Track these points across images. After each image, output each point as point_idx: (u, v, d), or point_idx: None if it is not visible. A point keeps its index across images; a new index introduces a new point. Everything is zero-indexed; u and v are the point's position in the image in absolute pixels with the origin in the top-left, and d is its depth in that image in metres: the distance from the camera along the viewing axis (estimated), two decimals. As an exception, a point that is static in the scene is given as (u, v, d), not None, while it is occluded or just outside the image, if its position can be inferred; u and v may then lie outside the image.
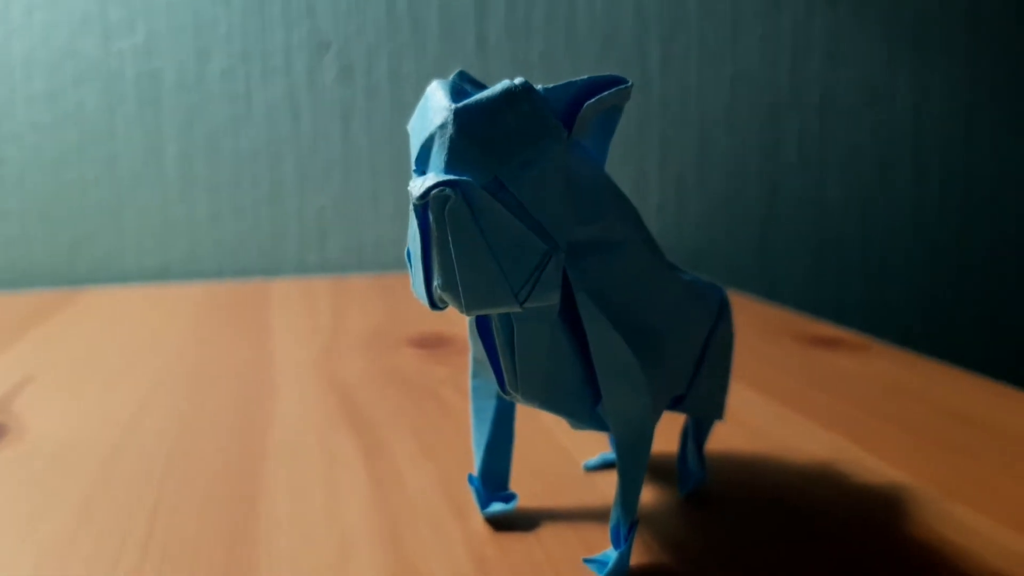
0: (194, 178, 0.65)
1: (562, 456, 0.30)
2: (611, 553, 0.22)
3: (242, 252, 0.67)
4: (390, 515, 0.25)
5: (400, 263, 0.68)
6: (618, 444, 0.22)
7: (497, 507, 0.25)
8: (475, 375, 0.25)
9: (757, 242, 0.73)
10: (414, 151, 0.20)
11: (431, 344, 0.45)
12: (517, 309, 0.19)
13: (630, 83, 0.20)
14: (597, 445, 0.31)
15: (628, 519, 0.21)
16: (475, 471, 0.28)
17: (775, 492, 0.27)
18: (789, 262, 0.74)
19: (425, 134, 0.19)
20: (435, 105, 0.19)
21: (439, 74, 0.67)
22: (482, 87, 0.21)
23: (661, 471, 0.28)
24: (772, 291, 0.73)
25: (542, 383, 0.21)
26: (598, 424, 0.22)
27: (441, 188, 0.18)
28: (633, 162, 0.70)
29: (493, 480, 0.25)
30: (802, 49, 0.71)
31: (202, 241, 0.66)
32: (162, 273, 0.66)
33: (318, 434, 0.32)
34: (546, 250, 0.19)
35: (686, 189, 0.71)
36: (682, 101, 0.70)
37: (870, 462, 0.29)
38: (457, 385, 0.38)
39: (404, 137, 0.67)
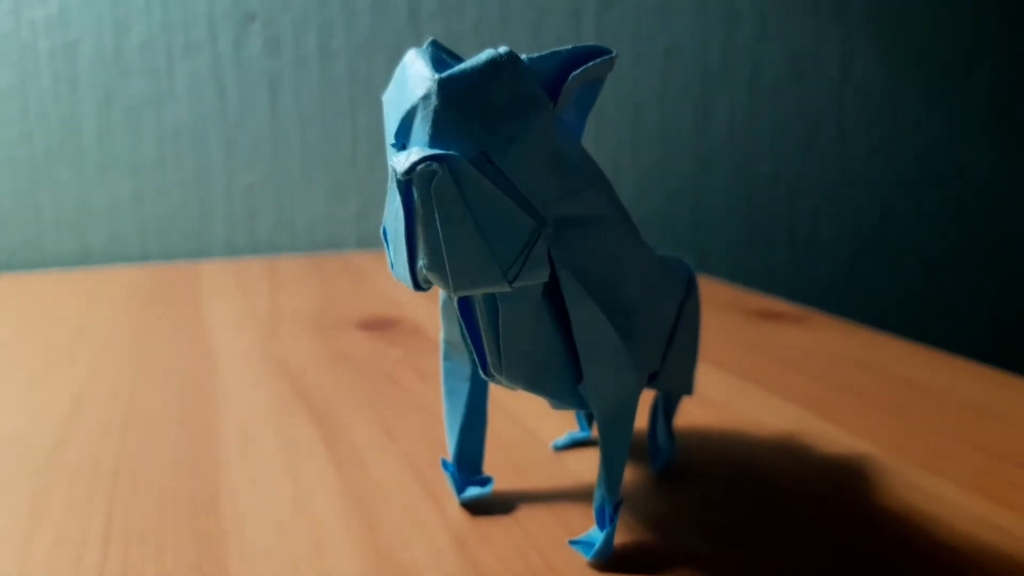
0: (114, 157, 0.62)
1: (529, 437, 0.29)
2: (596, 534, 0.21)
3: (167, 234, 0.64)
4: (361, 502, 0.25)
5: (335, 242, 0.67)
6: (600, 423, 0.21)
7: (473, 491, 0.24)
8: (447, 356, 0.24)
9: (689, 215, 0.74)
10: (392, 124, 0.19)
11: (379, 326, 0.44)
12: (506, 288, 0.18)
13: (614, 53, 0.19)
14: (563, 424, 0.30)
15: (613, 499, 0.21)
16: (447, 455, 0.28)
17: (744, 465, 0.27)
18: (720, 234, 0.75)
19: (406, 105, 0.18)
20: (415, 75, 0.18)
21: (370, 47, 0.65)
22: (458, 59, 0.20)
23: (631, 448, 0.28)
24: (704, 263, 0.74)
25: (526, 364, 0.21)
26: (579, 403, 0.22)
27: (428, 163, 0.17)
28: (568, 137, 0.70)
29: (467, 464, 0.24)
30: (733, 23, 0.72)
31: (124, 223, 0.63)
32: (83, 257, 0.63)
33: (273, 421, 0.31)
34: (535, 227, 0.18)
35: (620, 162, 0.71)
36: (616, 74, 0.70)
37: (831, 432, 0.29)
38: (413, 367, 0.37)
39: (335, 112, 0.65)
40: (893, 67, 0.76)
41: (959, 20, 0.77)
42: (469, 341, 0.21)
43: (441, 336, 0.24)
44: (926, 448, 0.28)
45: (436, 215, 0.18)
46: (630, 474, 0.26)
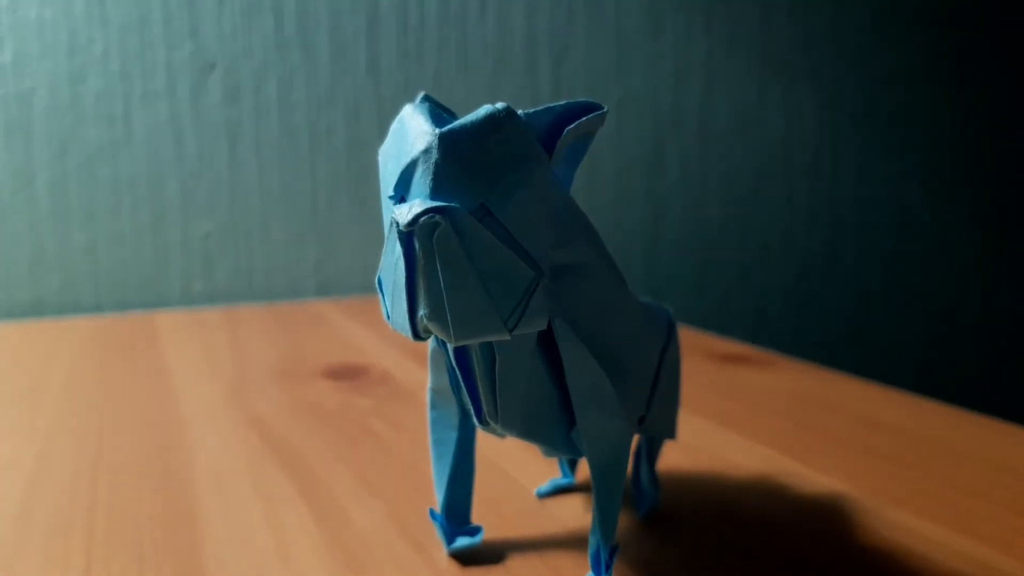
0: (68, 206, 0.61)
1: (511, 485, 0.29)
2: (591, 580, 0.22)
3: (122, 283, 0.63)
4: (346, 555, 0.24)
5: (294, 291, 0.66)
6: (594, 469, 0.21)
7: (463, 541, 0.24)
8: (433, 406, 0.24)
9: (643, 259, 0.75)
10: (391, 177, 0.19)
11: (346, 375, 0.44)
12: (506, 337, 0.19)
13: (606, 109, 0.20)
14: (545, 471, 0.30)
15: (608, 544, 0.21)
16: (429, 505, 0.27)
17: (726, 507, 0.27)
18: (674, 278, 0.76)
19: (406, 159, 0.18)
20: (415, 129, 0.19)
21: (330, 97, 0.65)
22: (451, 113, 0.21)
23: (612, 493, 0.28)
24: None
25: (521, 411, 0.21)
26: (571, 450, 0.22)
27: (430, 215, 0.17)
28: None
29: (456, 514, 0.24)
30: (683, 74, 0.74)
31: (78, 273, 0.62)
32: (35, 308, 0.61)
33: (247, 473, 0.30)
34: (533, 276, 0.19)
35: (578, 211, 0.72)
36: (572, 125, 0.71)
37: (804, 472, 0.30)
38: (385, 417, 0.37)
39: (295, 161, 0.65)
40: (833, 118, 0.79)
41: (893, 75, 0.81)
42: (464, 389, 0.21)
43: (428, 385, 0.24)
44: (899, 486, 0.29)
45: (438, 266, 0.18)
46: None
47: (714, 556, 0.24)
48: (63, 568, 0.24)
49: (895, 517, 0.26)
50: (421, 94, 0.21)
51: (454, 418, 0.24)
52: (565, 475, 0.29)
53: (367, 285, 0.68)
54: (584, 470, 0.30)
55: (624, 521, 0.26)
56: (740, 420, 0.36)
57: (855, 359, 0.82)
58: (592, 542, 0.22)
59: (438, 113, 0.19)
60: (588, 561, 0.24)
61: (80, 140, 0.61)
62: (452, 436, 0.24)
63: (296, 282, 0.66)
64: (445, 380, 0.23)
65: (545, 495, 0.28)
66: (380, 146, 0.67)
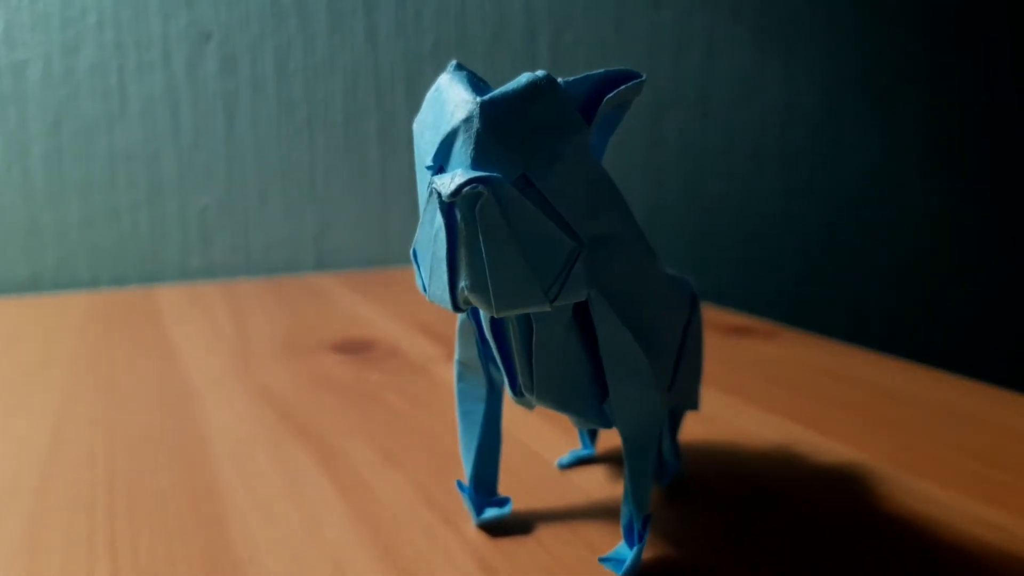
0: (64, 180, 0.60)
1: (531, 456, 0.29)
2: (624, 550, 0.22)
3: (119, 258, 0.62)
4: (374, 527, 0.24)
5: (293, 264, 0.66)
6: (627, 440, 0.21)
7: (492, 513, 0.24)
8: (460, 378, 0.24)
9: (644, 233, 0.75)
10: (429, 147, 0.19)
11: (355, 349, 0.43)
12: (547, 308, 0.18)
13: (644, 77, 0.20)
14: (564, 443, 0.30)
15: (641, 514, 0.21)
16: (452, 477, 0.27)
17: (747, 477, 0.27)
18: (674, 251, 0.76)
19: (446, 128, 0.18)
20: (454, 98, 0.18)
21: (328, 68, 0.65)
22: (484, 82, 0.20)
23: (633, 464, 0.28)
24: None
25: (556, 383, 0.21)
26: (603, 422, 0.22)
27: (473, 185, 0.17)
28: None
29: (484, 485, 0.24)
30: (683, 45, 0.74)
31: (75, 248, 0.61)
32: (32, 284, 0.60)
33: (266, 447, 0.30)
34: (574, 247, 0.18)
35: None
36: (571, 97, 0.71)
37: (821, 442, 0.30)
38: (399, 390, 0.37)
39: (292, 133, 0.65)
40: (833, 90, 0.79)
41: (891, 47, 0.81)
42: (499, 362, 0.21)
43: (455, 357, 0.24)
44: (915, 455, 0.29)
45: (480, 237, 0.18)
46: (638, 490, 0.26)
47: (739, 525, 0.24)
48: (88, 543, 0.24)
49: (914, 485, 0.27)
50: (453, 62, 0.21)
51: (482, 390, 0.24)
52: (585, 446, 0.29)
53: (367, 258, 0.67)
54: (604, 441, 0.30)
55: (648, 491, 0.26)
56: (751, 391, 0.36)
57: (853, 331, 0.82)
58: (625, 512, 0.22)
59: (475, 82, 0.19)
60: (618, 531, 0.24)
61: (74, 113, 0.60)
62: (480, 408, 0.24)
63: (295, 256, 0.66)
64: (473, 352, 0.23)
65: (566, 466, 0.28)
66: (376, 117, 0.66)
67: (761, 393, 0.36)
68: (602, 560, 0.22)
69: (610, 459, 0.29)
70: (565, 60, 0.70)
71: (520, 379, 0.21)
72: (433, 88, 0.19)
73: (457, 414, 0.24)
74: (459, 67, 0.20)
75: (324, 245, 0.66)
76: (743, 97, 0.76)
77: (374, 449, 0.30)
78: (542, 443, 0.30)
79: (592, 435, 0.29)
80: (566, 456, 0.28)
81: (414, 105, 0.67)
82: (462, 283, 0.18)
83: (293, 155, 0.65)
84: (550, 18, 0.70)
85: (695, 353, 0.26)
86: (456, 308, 0.19)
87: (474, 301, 0.18)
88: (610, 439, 0.30)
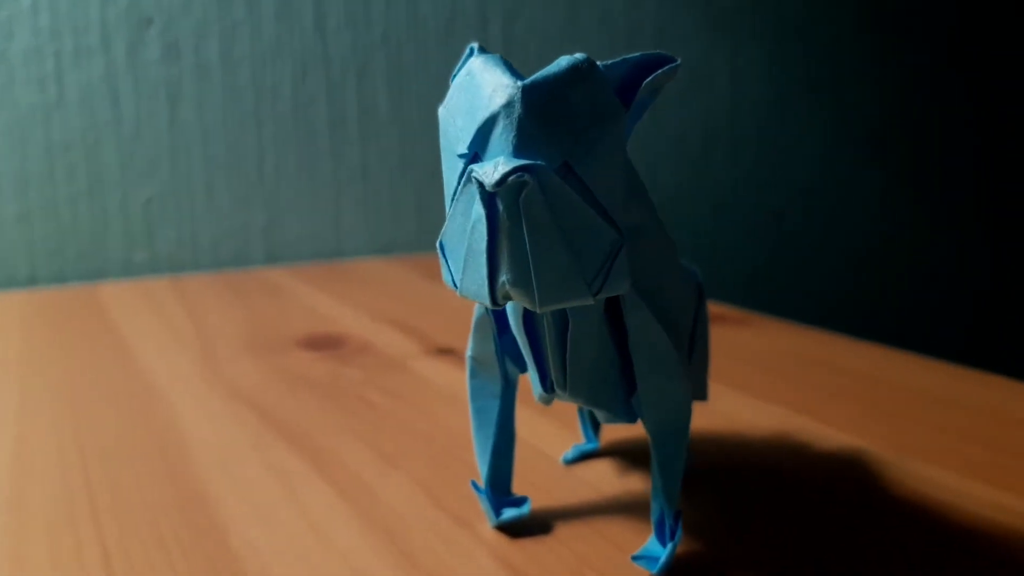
0: (-5, 171, 0.57)
1: (534, 453, 0.28)
2: (656, 546, 0.21)
3: (58, 254, 0.59)
4: (384, 531, 0.23)
5: (242, 258, 0.64)
6: (656, 434, 0.21)
7: (511, 513, 0.23)
8: (473, 375, 0.23)
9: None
10: (463, 133, 0.18)
11: (325, 345, 0.42)
12: (590, 302, 0.18)
13: (678, 62, 0.19)
14: (566, 438, 0.30)
15: (672, 509, 0.21)
16: (456, 476, 0.27)
17: (752, 465, 0.27)
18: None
19: (484, 114, 0.17)
20: (491, 82, 0.17)
21: (276, 54, 0.62)
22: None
23: (638, 454, 0.28)
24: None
25: (588, 378, 0.20)
26: (629, 416, 0.22)
27: (519, 174, 0.16)
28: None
29: (499, 485, 0.24)
30: (633, 36, 0.73)
31: (11, 244, 0.58)
32: (-38, 282, 0.57)
33: (252, 450, 0.29)
34: (617, 238, 0.18)
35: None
36: (524, 85, 0.70)
37: (819, 429, 0.30)
38: (380, 387, 0.36)
39: (239, 122, 0.62)
40: (779, 83, 0.80)
41: (835, 38, 0.82)
42: (530, 358, 0.20)
43: (468, 353, 0.23)
44: (912, 439, 0.29)
45: (523, 228, 0.17)
46: (647, 483, 0.26)
47: (757, 514, 0.24)
48: (78, 560, 0.22)
49: (919, 470, 0.27)
50: (475, 44, 0.20)
51: (496, 386, 0.23)
52: (590, 440, 0.28)
53: (319, 251, 0.65)
54: (607, 434, 0.29)
55: (650, 485, 0.26)
56: (741, 379, 0.36)
57: (805, 316, 0.84)
58: (655, 507, 0.21)
59: (510, 66, 0.18)
60: (638, 526, 0.23)
61: (8, 102, 0.56)
62: (494, 405, 0.23)
63: (244, 249, 0.64)
64: (490, 348, 0.22)
65: (571, 461, 0.28)
66: (326, 105, 0.64)
67: (749, 381, 0.36)
68: (635, 558, 0.21)
69: (614, 452, 0.28)
70: (516, 50, 0.69)
71: (552, 375, 0.20)
72: (463, 72, 0.19)
73: (471, 412, 0.23)
74: (483, 50, 0.19)
75: (274, 238, 0.64)
76: (692, 88, 0.77)
77: (367, 450, 0.29)
78: (543, 439, 0.30)
79: (595, 429, 0.28)
80: (570, 451, 0.28)
81: (365, 93, 0.65)
82: (503, 277, 0.17)
83: (240, 145, 0.63)
84: (501, 7, 0.69)
85: (703, 343, 0.26)
86: (495, 303, 0.18)
87: (515, 296, 0.17)
88: (613, 432, 0.30)
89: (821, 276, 0.85)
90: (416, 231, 0.68)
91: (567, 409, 0.31)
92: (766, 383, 0.35)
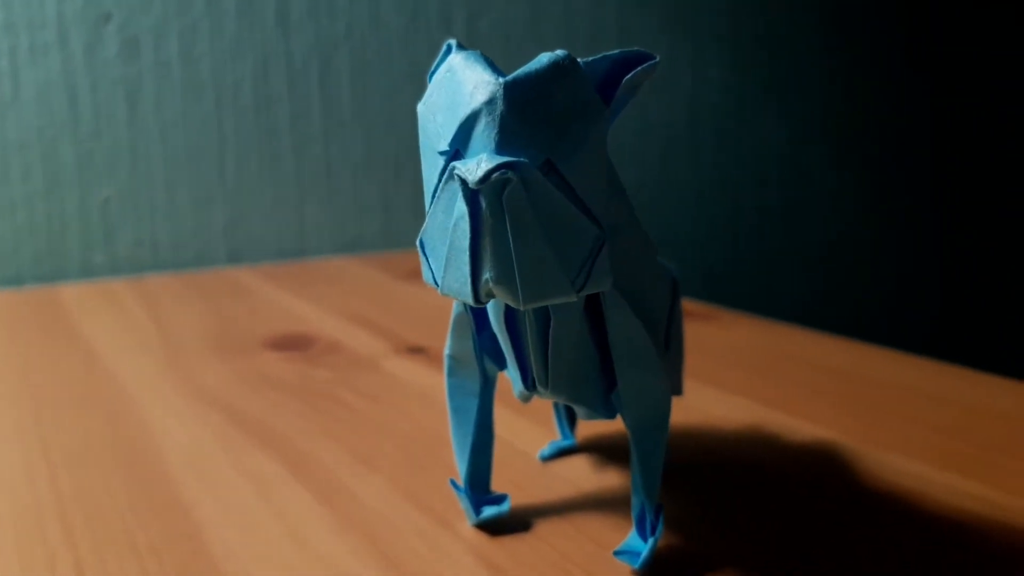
0: (-53, 171, 0.55)
1: (510, 450, 0.28)
2: (637, 541, 0.21)
3: (14, 256, 0.58)
4: (365, 533, 0.23)
5: (203, 259, 0.63)
6: (635, 430, 0.21)
7: (491, 511, 0.23)
8: (451, 373, 0.23)
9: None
10: (444, 130, 0.18)
11: (292, 345, 0.42)
12: (573, 299, 0.18)
13: (657, 59, 0.19)
14: (541, 434, 0.30)
15: (653, 503, 0.21)
16: (433, 475, 0.27)
17: (730, 460, 0.28)
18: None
19: (465, 111, 0.17)
20: (472, 79, 0.17)
21: (237, 51, 0.62)
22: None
23: (615, 450, 0.28)
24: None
25: (569, 375, 0.20)
26: (608, 412, 0.22)
27: (502, 171, 0.16)
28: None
29: (478, 484, 0.24)
30: (597, 35, 0.74)
31: (-38, 245, 0.56)
32: (-87, 285, 0.55)
33: (224, 454, 0.28)
34: (599, 235, 0.18)
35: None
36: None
37: (790, 422, 0.31)
38: (352, 387, 0.35)
39: (200, 120, 0.61)
40: (739, 82, 0.81)
41: (796, 40, 0.83)
42: (511, 356, 0.20)
43: (446, 352, 0.23)
44: (881, 431, 0.30)
45: (507, 226, 0.17)
46: (625, 478, 0.26)
47: (735, 507, 0.24)
48: (51, 571, 0.21)
49: (889, 460, 0.27)
50: (452, 41, 0.20)
51: (475, 384, 0.23)
52: (565, 436, 0.28)
53: (282, 250, 0.65)
54: (582, 430, 0.29)
55: (627, 480, 0.26)
56: (711, 374, 0.36)
57: (766, 310, 0.85)
58: (635, 502, 0.21)
59: (491, 63, 0.18)
60: (618, 522, 0.23)
61: (-42, 98, 0.55)
62: (473, 404, 0.23)
63: (205, 249, 0.63)
64: (469, 346, 0.22)
65: (548, 458, 0.28)
66: (288, 103, 0.63)
67: (720, 375, 0.36)
68: (617, 554, 0.21)
69: (591, 448, 0.28)
70: (480, 47, 0.69)
71: (534, 372, 0.20)
72: (444, 68, 0.18)
73: (449, 410, 0.23)
74: (461, 46, 0.19)
75: (236, 237, 0.64)
76: (655, 88, 0.77)
77: (343, 451, 0.29)
78: (518, 436, 0.30)
79: (571, 425, 0.28)
80: (547, 448, 0.28)
81: (328, 90, 0.64)
82: (486, 274, 0.17)
83: (201, 143, 0.62)
84: (465, 4, 0.68)
85: (678, 339, 0.26)
86: (477, 301, 0.18)
87: (498, 293, 0.17)
88: (588, 428, 0.30)
89: (782, 272, 0.86)
90: (381, 229, 0.67)
91: (542, 406, 0.31)
92: (736, 377, 0.36)
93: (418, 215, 0.68)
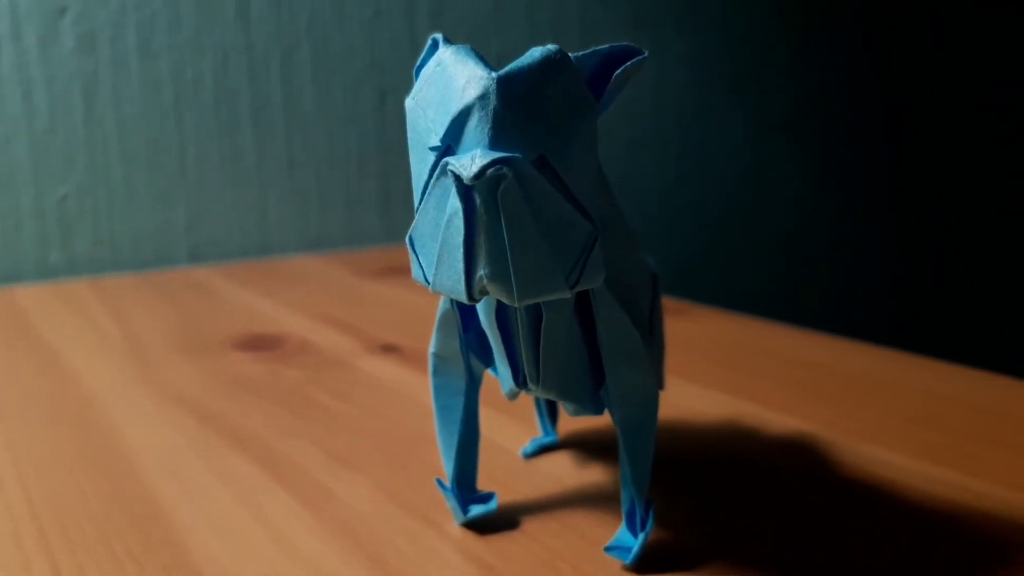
0: None
1: (492, 447, 0.28)
2: (627, 536, 0.21)
3: (-34, 256, 0.56)
4: (350, 535, 0.23)
5: (164, 258, 0.61)
6: (624, 425, 0.21)
7: (479, 510, 0.23)
8: (436, 372, 0.23)
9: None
10: (436, 125, 0.17)
11: (262, 346, 0.41)
12: (567, 295, 0.18)
13: (646, 54, 0.19)
14: (523, 431, 0.30)
15: (643, 498, 0.21)
16: (413, 474, 0.26)
17: (710, 453, 0.28)
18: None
19: (457, 106, 0.17)
20: (464, 74, 0.17)
21: (196, 45, 0.60)
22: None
23: (597, 445, 0.28)
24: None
25: (559, 371, 0.20)
26: (596, 408, 0.22)
27: (498, 167, 0.16)
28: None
29: (465, 483, 0.23)
30: (560, 27, 0.74)
31: (-88, 245, 0.54)
32: None
33: (199, 458, 0.28)
34: (592, 230, 0.18)
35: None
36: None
37: (765, 415, 0.31)
38: (325, 387, 0.35)
39: (159, 116, 0.60)
40: (700, 77, 0.81)
41: (754, 35, 0.84)
42: (503, 354, 0.20)
43: (431, 350, 0.23)
44: (855, 422, 0.30)
45: (502, 222, 0.17)
46: (609, 473, 0.26)
47: (713, 498, 0.24)
48: (27, 580, 0.21)
49: (865, 450, 0.28)
50: (438, 35, 0.19)
51: (460, 383, 0.23)
52: (547, 433, 0.28)
53: (244, 248, 0.64)
54: (563, 426, 0.29)
55: (612, 475, 0.26)
56: (686, 368, 0.36)
57: (730, 304, 0.85)
58: (625, 497, 0.21)
59: (481, 56, 0.18)
60: (605, 517, 0.23)
61: (-95, 93, 0.53)
62: (458, 402, 0.23)
63: (166, 248, 0.61)
64: (455, 344, 0.22)
65: (531, 455, 0.28)
66: (249, 97, 0.62)
67: (696, 369, 0.36)
68: (607, 549, 0.21)
69: (572, 444, 0.28)
70: (445, 40, 0.69)
71: (527, 369, 0.20)
72: (433, 63, 0.18)
73: (434, 409, 0.23)
74: (448, 40, 0.19)
75: (197, 236, 0.62)
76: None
77: (320, 452, 0.28)
78: (500, 433, 0.29)
79: (553, 421, 0.28)
80: (529, 445, 0.28)
81: (290, 84, 0.64)
82: (481, 271, 0.17)
83: (160, 139, 0.60)
84: (429, -4, 0.68)
85: (659, 333, 0.26)
86: (471, 298, 0.17)
87: (493, 290, 0.17)
88: (569, 424, 0.30)
89: (743, 265, 0.87)
90: (346, 226, 0.67)
91: (523, 403, 0.31)
92: (710, 371, 0.36)
93: (383, 212, 0.68)
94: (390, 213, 0.68)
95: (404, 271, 0.57)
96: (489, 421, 0.30)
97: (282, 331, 0.43)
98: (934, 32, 0.92)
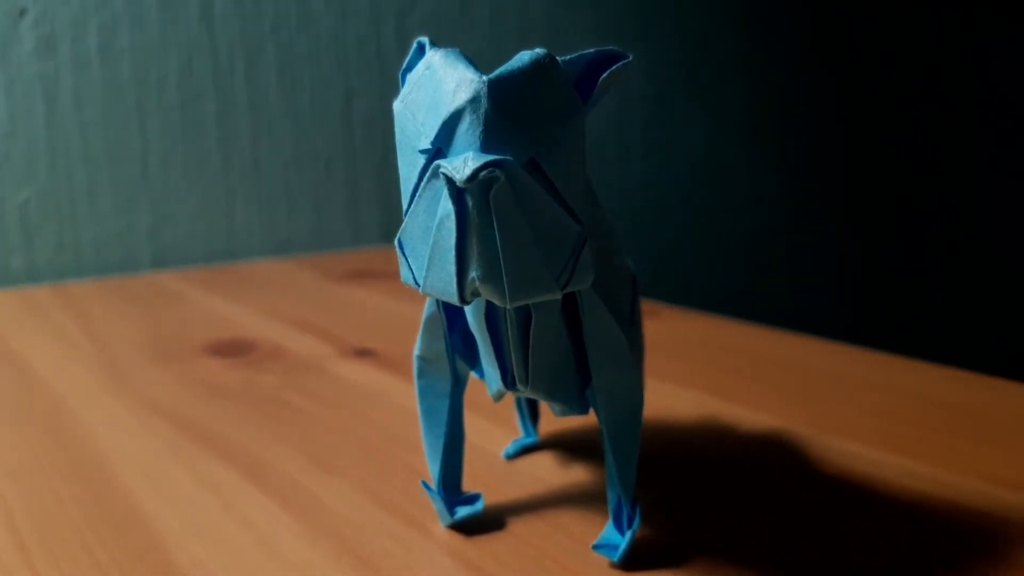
0: None
1: (473, 449, 0.28)
2: (613, 534, 0.21)
3: (-77, 262, 0.55)
4: (336, 538, 0.23)
5: (128, 263, 0.60)
6: (610, 424, 0.21)
7: (465, 511, 0.23)
8: (421, 375, 0.23)
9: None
10: (427, 128, 0.18)
11: (233, 351, 0.41)
12: (557, 296, 0.18)
13: (631, 58, 0.19)
14: (504, 433, 0.30)
15: (629, 496, 0.21)
16: (395, 476, 0.26)
17: (688, 451, 0.28)
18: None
19: (448, 109, 0.17)
20: (455, 77, 0.17)
21: (160, 47, 0.60)
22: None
23: (578, 445, 0.28)
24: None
25: (548, 372, 0.20)
26: (583, 408, 0.22)
27: (490, 169, 0.16)
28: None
29: (451, 484, 0.23)
30: (525, 30, 0.74)
31: None
32: None
33: (178, 465, 0.28)
34: (581, 232, 0.18)
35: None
36: (419, 80, 0.70)
37: (739, 412, 0.32)
38: (300, 391, 0.35)
39: (121, 119, 0.59)
40: (661, 82, 0.82)
41: (712, 40, 0.85)
42: (491, 355, 0.20)
43: (416, 353, 0.23)
44: (827, 418, 0.31)
45: (494, 224, 0.17)
46: (592, 473, 0.26)
47: (696, 495, 0.25)
48: (9, 591, 0.20)
49: (839, 445, 0.28)
50: (424, 39, 0.19)
51: (445, 385, 0.23)
52: (528, 434, 0.28)
53: (210, 253, 0.63)
54: (544, 426, 0.30)
55: (595, 474, 0.26)
56: (661, 369, 0.37)
57: (695, 304, 0.86)
58: (611, 496, 0.22)
59: (470, 60, 0.18)
60: (590, 516, 0.24)
61: None
62: (444, 405, 0.23)
63: (130, 253, 0.61)
64: (440, 346, 0.22)
65: (513, 456, 0.28)
66: (214, 99, 0.62)
67: (669, 369, 0.37)
68: (595, 548, 0.21)
69: (554, 444, 0.29)
70: (411, 41, 0.69)
71: (516, 370, 0.20)
72: (422, 66, 0.18)
73: (420, 412, 0.23)
74: (434, 44, 0.19)
75: (162, 240, 0.62)
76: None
77: (301, 456, 0.28)
78: (481, 435, 0.29)
79: (534, 422, 0.28)
80: (511, 446, 0.28)
81: (255, 86, 0.63)
82: (473, 273, 0.17)
83: (123, 142, 0.60)
84: (396, 0, 0.68)
85: (639, 334, 0.26)
86: (463, 300, 0.18)
87: (485, 292, 0.17)
88: (549, 424, 0.30)
89: (704, 267, 0.88)
90: (313, 230, 0.66)
91: (503, 404, 0.31)
92: (684, 371, 0.36)
93: (350, 215, 0.67)
94: (358, 216, 0.68)
95: (373, 274, 0.57)
96: (470, 424, 0.30)
97: (253, 336, 0.43)
98: (887, 34, 0.94)
